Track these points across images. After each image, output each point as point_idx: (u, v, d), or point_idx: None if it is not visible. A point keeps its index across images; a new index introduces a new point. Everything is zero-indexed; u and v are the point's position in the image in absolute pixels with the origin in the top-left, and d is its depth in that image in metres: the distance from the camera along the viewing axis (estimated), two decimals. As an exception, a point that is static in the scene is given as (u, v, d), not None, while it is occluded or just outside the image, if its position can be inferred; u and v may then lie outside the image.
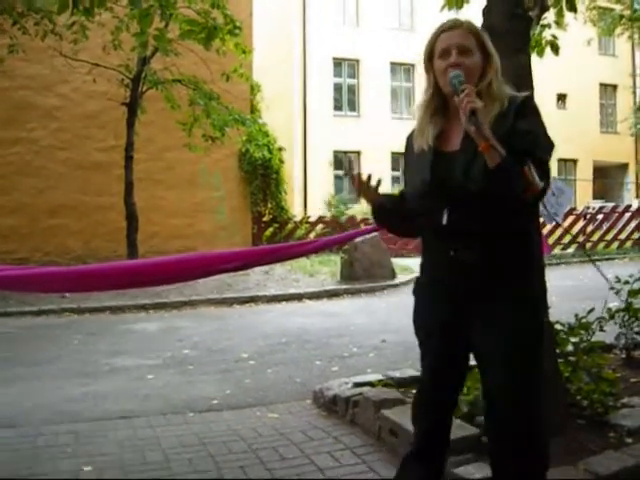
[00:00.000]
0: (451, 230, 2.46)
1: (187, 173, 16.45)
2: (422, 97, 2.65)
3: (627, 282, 5.52)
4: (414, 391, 4.89)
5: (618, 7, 27.96)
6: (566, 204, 5.95)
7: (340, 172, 27.95)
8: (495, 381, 2.49)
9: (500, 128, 2.34)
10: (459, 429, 3.81)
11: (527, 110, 2.46)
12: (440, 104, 2.60)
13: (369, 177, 2.63)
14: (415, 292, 2.76)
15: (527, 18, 4.18)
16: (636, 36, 30.16)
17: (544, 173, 2.33)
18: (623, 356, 5.68)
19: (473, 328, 2.51)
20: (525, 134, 2.38)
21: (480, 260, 2.44)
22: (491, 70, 2.53)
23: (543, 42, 6.37)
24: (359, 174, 2.64)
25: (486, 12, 4.42)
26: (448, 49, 2.51)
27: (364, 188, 2.64)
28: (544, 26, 6.30)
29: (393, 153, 27.76)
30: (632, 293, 5.50)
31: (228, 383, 6.17)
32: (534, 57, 5.71)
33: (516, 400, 2.48)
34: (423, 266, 2.71)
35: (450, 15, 7.17)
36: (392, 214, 2.75)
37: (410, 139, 2.73)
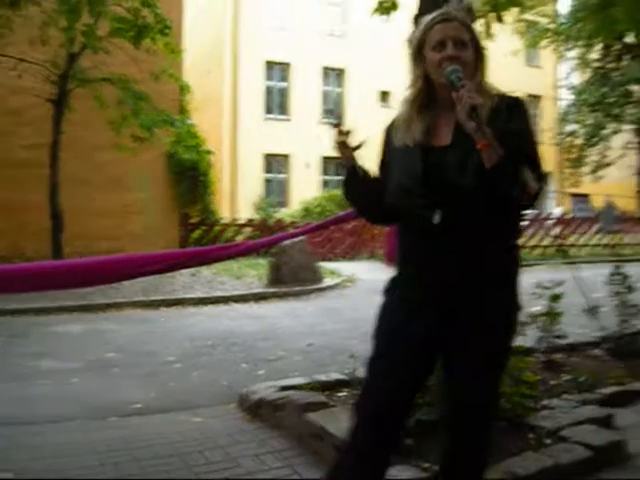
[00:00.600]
0: (442, 229, 2.38)
1: (115, 174, 16.20)
2: (409, 90, 2.57)
3: (548, 287, 5.69)
4: (339, 394, 4.96)
5: (544, 20, 28.76)
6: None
7: (270, 175, 27.94)
8: (467, 385, 2.49)
9: (494, 126, 2.28)
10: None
11: (521, 110, 2.45)
12: (428, 97, 2.52)
13: (348, 132, 2.54)
14: (388, 291, 2.63)
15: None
16: (560, 48, 31.10)
17: (540, 175, 2.32)
18: (544, 359, 5.83)
19: (453, 330, 2.45)
20: (520, 134, 2.37)
21: (470, 262, 2.39)
22: (483, 66, 2.51)
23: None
24: (343, 126, 2.53)
25: (416, 19, 4.50)
26: (444, 41, 2.43)
27: (343, 144, 2.54)
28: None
29: (324, 157, 27.91)
30: (553, 298, 5.68)
31: (153, 386, 6.11)
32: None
33: (485, 404, 2.53)
34: (401, 265, 2.60)
35: (381, 21, 7.27)
36: (364, 191, 2.62)
37: (389, 131, 2.64)
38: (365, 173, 2.59)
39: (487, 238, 2.39)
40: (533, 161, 2.33)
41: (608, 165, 31.60)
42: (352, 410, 2.68)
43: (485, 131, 2.21)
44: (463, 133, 2.30)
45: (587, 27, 25.40)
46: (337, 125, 2.55)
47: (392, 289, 2.62)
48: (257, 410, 5.00)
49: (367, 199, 2.65)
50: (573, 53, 31.46)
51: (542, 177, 2.33)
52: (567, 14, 28.76)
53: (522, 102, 2.50)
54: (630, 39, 28.07)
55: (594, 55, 31.81)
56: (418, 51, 2.51)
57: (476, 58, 2.48)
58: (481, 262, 2.40)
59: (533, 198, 2.34)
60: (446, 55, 2.41)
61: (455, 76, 2.32)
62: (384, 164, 2.64)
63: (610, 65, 31.99)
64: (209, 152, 18.26)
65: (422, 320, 2.47)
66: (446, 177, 2.36)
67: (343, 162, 2.58)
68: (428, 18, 2.51)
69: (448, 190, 2.35)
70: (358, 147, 2.55)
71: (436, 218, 2.38)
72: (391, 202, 2.53)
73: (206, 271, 13.98)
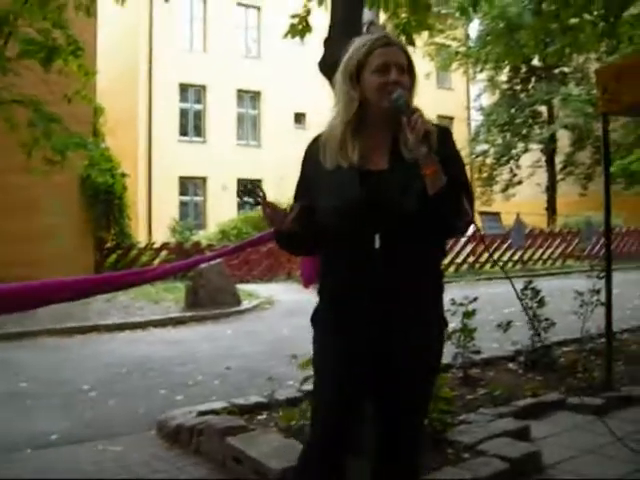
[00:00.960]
0: (382, 254, 2.33)
1: (27, 197, 15.75)
2: (342, 112, 2.46)
3: (462, 304, 5.79)
4: (259, 417, 4.94)
5: (454, 44, 29.56)
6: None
7: (186, 197, 27.71)
8: (409, 409, 2.47)
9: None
10: (289, 448, 3.86)
11: (451, 138, 2.48)
12: (362, 120, 2.45)
13: (278, 208, 2.38)
14: (319, 321, 2.54)
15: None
16: (470, 71, 32.04)
17: (472, 202, 2.36)
18: (460, 375, 5.94)
19: (393, 355, 2.40)
20: (453, 162, 2.38)
21: (409, 286, 2.35)
22: (415, 93, 2.50)
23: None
24: (270, 203, 2.37)
25: (327, 42, 4.55)
26: (388, 65, 2.39)
27: (273, 217, 2.38)
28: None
29: (239, 179, 27.87)
30: (467, 314, 5.79)
31: (69, 416, 5.95)
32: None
33: (420, 425, 2.57)
34: (330, 292, 2.50)
35: (295, 44, 7.30)
36: (297, 237, 2.47)
37: (314, 151, 2.53)
38: (300, 226, 2.43)
39: (424, 262, 2.40)
40: (467, 189, 2.37)
41: (518, 183, 32.51)
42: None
43: (434, 158, 2.22)
44: (400, 158, 2.32)
45: (495, 50, 26.33)
46: (259, 203, 2.39)
47: (322, 320, 2.53)
48: (176, 436, 4.93)
49: (300, 242, 2.54)
50: (483, 75, 32.45)
51: (473, 204, 2.39)
52: (476, 38, 29.69)
53: (450, 130, 2.55)
54: (536, 62, 29.11)
55: (503, 77, 32.84)
56: (356, 73, 2.43)
57: (410, 85, 2.47)
58: (419, 286, 2.39)
59: (468, 224, 2.39)
60: (391, 80, 2.37)
61: (402, 101, 2.32)
62: (307, 184, 2.54)
63: (518, 87, 33.08)
64: (124, 175, 17.97)
65: (362, 345, 2.40)
66: (387, 201, 2.33)
67: (281, 229, 2.43)
68: (366, 40, 2.47)
69: (389, 214, 2.32)
70: (300, 215, 2.39)
71: (377, 243, 2.33)
72: (325, 224, 2.42)
73: (123, 296, 13.73)
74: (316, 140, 2.54)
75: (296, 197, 2.57)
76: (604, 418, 4.64)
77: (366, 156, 2.42)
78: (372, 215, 2.33)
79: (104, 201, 17.09)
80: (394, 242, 2.33)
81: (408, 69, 2.47)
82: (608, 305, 5.77)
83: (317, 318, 2.55)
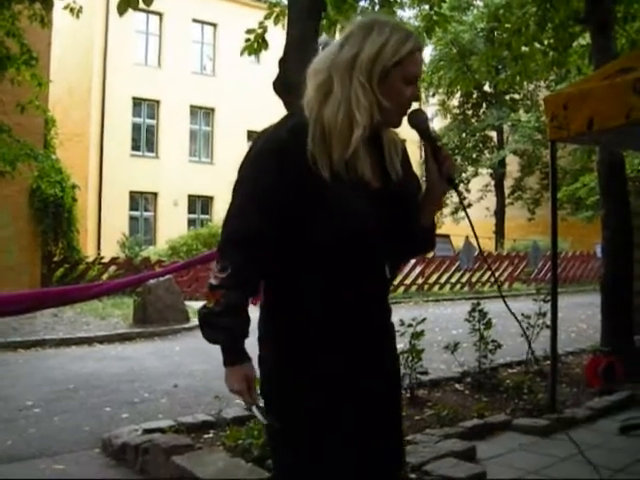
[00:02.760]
0: (390, 282, 2.18)
1: (-27, 209, 15.50)
2: (361, 112, 1.96)
3: (410, 325, 5.85)
4: (206, 436, 4.92)
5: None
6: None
7: (136, 213, 27.45)
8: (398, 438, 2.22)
9: (412, 174, 2.24)
10: (251, 473, 3.84)
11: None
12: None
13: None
14: (299, 368, 2.01)
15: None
16: (423, 95, 32.43)
17: None
18: (408, 395, 5.98)
19: (379, 379, 2.12)
20: (419, 186, 2.28)
21: (389, 314, 2.21)
22: None
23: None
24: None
25: (282, 62, 4.58)
26: (417, 77, 2.04)
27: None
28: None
29: (190, 195, 27.79)
30: (415, 335, 5.85)
31: (10, 433, 5.81)
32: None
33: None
34: (310, 330, 2.01)
35: (250, 62, 7.29)
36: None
37: (297, 150, 1.96)
38: None
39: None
40: None
41: (468, 206, 32.90)
42: None
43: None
44: (388, 177, 2.09)
45: (448, 75, 26.77)
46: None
47: (303, 365, 2.02)
48: (122, 455, 4.87)
49: None
50: (435, 99, 32.95)
51: None
52: (429, 62, 30.18)
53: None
54: (488, 88, 29.66)
55: (454, 102, 33.37)
56: (387, 72, 1.98)
57: None
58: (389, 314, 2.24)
59: None
60: (417, 95, 2.06)
61: (427, 126, 2.14)
62: (287, 197, 1.97)
63: (469, 112, 33.63)
64: (75, 186, 17.76)
65: (359, 395, 2.04)
66: (400, 227, 2.06)
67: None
68: (406, 35, 2.01)
69: (400, 241, 2.09)
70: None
71: (388, 272, 2.11)
72: (324, 247, 1.97)
73: (69, 311, 13.54)
74: (296, 136, 1.99)
75: (252, 216, 2.03)
76: (553, 437, 4.71)
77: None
78: (385, 242, 2.04)
79: (53, 214, 16.85)
80: (397, 269, 2.22)
81: None
82: (553, 328, 5.87)
83: (296, 362, 2.04)
